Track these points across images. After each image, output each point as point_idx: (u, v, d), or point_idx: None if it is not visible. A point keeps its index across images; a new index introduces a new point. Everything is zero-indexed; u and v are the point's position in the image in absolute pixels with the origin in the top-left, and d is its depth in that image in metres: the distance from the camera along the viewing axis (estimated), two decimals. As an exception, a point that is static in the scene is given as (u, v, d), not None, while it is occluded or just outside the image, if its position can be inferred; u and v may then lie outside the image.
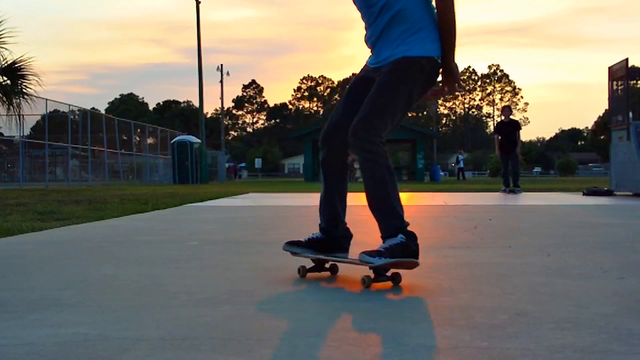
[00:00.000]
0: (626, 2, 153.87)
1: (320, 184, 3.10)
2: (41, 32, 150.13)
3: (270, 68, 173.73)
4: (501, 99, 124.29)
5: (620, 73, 12.29)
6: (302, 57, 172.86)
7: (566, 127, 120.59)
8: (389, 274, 2.75)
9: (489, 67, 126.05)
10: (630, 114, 11.98)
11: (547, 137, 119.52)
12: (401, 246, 2.67)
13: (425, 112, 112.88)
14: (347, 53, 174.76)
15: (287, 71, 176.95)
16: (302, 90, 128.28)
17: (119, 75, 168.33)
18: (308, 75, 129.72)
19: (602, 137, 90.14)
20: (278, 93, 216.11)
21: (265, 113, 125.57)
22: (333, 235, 3.03)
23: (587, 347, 1.80)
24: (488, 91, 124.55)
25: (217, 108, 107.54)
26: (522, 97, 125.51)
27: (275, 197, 13.07)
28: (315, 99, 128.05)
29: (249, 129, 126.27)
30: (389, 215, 2.79)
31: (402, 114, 2.86)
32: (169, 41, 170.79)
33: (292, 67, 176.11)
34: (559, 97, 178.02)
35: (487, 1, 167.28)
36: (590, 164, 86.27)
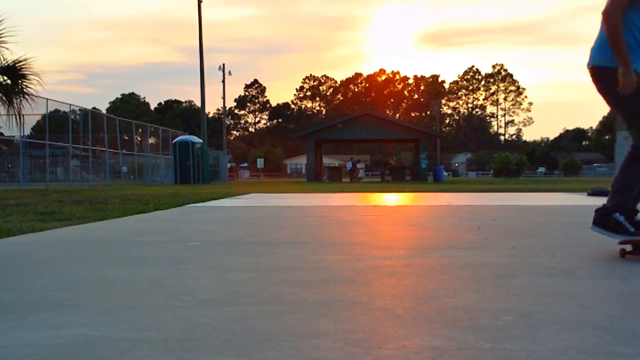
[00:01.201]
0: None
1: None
2: (38, 31, 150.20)
3: (272, 67, 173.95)
4: (505, 99, 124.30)
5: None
6: (305, 57, 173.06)
7: (570, 127, 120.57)
8: None
9: (493, 66, 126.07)
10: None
11: (552, 137, 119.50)
12: None
13: (429, 112, 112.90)
14: (349, 53, 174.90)
15: (289, 71, 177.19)
16: (305, 90, 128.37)
17: (119, 75, 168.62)
18: (310, 74, 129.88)
19: (606, 137, 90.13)
20: (280, 92, 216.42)
21: (267, 113, 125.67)
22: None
23: (592, 348, 1.78)
24: (492, 91, 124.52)
25: (219, 108, 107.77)
26: (526, 96, 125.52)
27: (277, 198, 13.07)
28: (317, 98, 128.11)
29: (251, 129, 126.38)
30: None
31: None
32: (170, 41, 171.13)
33: (294, 66, 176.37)
34: (563, 97, 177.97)
35: (491, 0, 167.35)
36: (594, 164, 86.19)
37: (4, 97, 14.95)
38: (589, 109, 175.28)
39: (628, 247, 3.61)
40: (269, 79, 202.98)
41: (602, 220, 3.76)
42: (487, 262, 3.48)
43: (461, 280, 2.91)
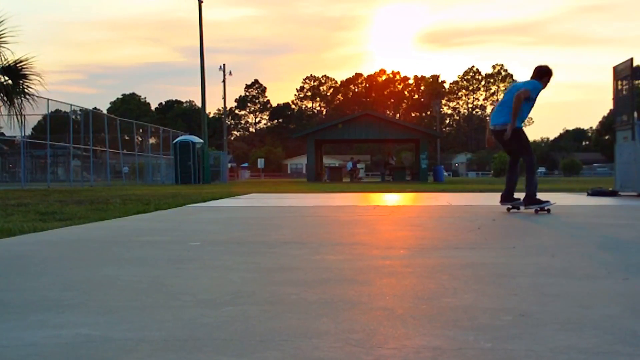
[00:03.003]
0: (631, 1, 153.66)
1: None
2: (39, 31, 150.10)
3: (272, 67, 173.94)
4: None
5: (625, 73, 12.25)
6: (305, 57, 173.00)
7: (570, 127, 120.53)
8: None
9: (493, 66, 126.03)
10: (635, 114, 11.94)
11: (552, 137, 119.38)
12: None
13: (429, 112, 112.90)
14: (349, 53, 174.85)
15: (289, 71, 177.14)
16: (305, 90, 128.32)
17: (120, 75, 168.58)
18: (311, 75, 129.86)
19: (606, 137, 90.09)
20: (281, 93, 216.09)
21: (267, 113, 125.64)
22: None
23: (591, 348, 1.79)
24: (492, 91, 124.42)
25: (220, 108, 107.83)
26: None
27: (277, 198, 13.07)
28: (318, 98, 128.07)
29: (252, 129, 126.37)
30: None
31: None
32: (171, 41, 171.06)
33: (294, 66, 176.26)
34: (563, 97, 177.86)
35: (491, 0, 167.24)
36: (594, 164, 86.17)
37: (5, 98, 14.95)
38: (589, 109, 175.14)
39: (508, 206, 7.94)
40: (269, 79, 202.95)
41: (529, 201, 7.58)
42: (487, 262, 3.48)
43: (461, 280, 2.91)
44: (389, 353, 1.75)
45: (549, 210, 7.54)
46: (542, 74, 7.70)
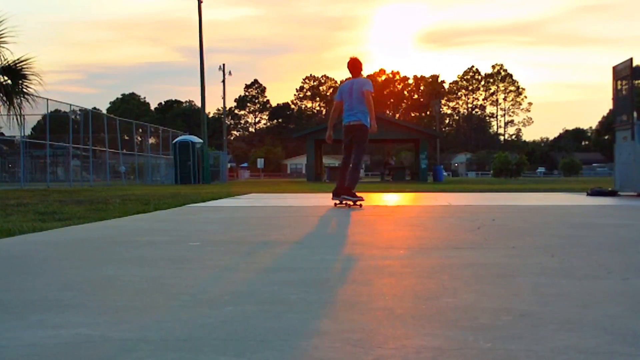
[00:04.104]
0: (631, 1, 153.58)
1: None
2: (38, 31, 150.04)
3: (272, 67, 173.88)
4: (505, 99, 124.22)
5: (625, 72, 12.24)
6: (305, 57, 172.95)
7: (570, 127, 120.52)
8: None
9: (493, 66, 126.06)
10: (635, 114, 11.94)
11: (551, 137, 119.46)
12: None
13: (428, 112, 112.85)
14: (349, 53, 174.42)
15: (289, 71, 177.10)
16: (305, 90, 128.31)
17: (120, 75, 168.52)
18: (310, 74, 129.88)
19: (606, 137, 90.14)
20: (280, 93, 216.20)
21: (267, 113, 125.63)
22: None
23: (591, 348, 1.79)
24: (491, 91, 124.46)
25: (219, 108, 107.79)
26: (525, 96, 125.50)
27: (277, 198, 13.07)
28: (317, 98, 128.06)
29: (251, 129, 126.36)
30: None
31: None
32: (170, 41, 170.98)
33: (294, 66, 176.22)
34: (563, 97, 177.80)
35: (491, 0, 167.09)
36: (594, 164, 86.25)
37: (4, 97, 14.94)
38: (589, 109, 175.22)
39: (337, 202, 8.88)
40: (269, 79, 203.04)
41: (347, 193, 8.58)
42: (487, 262, 3.48)
43: (461, 280, 2.91)
44: (389, 353, 1.75)
45: (360, 205, 8.58)
46: (361, 68, 9.17)
